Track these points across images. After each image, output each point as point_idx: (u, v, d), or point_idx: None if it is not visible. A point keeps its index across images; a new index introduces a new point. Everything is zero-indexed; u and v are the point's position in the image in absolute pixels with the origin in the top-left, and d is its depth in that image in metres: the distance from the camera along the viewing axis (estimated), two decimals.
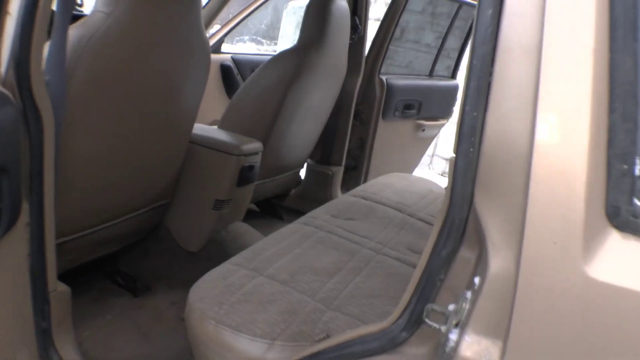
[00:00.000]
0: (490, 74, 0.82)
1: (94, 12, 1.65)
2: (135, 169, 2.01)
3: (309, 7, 2.67)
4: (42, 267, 1.44)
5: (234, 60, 4.09)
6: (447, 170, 6.74)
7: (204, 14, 3.72)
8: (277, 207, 3.42)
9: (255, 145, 2.42)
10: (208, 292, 1.48)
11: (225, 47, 4.17)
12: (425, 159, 6.70)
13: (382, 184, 2.63)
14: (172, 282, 2.38)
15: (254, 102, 2.65)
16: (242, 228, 2.56)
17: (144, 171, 2.07)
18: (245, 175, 2.38)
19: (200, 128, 2.49)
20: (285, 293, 1.50)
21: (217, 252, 2.43)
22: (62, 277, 1.82)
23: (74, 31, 1.60)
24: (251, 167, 2.40)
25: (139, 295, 2.30)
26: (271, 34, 9.92)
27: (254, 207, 3.37)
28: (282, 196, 3.45)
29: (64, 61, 1.46)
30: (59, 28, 1.43)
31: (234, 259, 1.66)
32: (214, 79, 4.02)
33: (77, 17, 2.00)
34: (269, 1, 4.09)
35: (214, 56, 3.93)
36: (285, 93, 2.57)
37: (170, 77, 1.91)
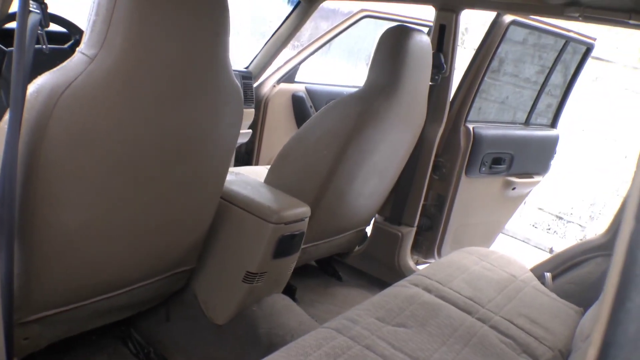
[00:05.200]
0: None
1: (77, 54, 1.30)
2: (137, 240, 1.64)
3: (379, 43, 2.23)
4: None
5: (307, 91, 3.72)
6: (552, 227, 6.09)
7: (278, 36, 3.39)
8: (337, 265, 2.99)
9: (300, 211, 2.00)
10: None
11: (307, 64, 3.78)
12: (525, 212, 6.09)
13: (453, 265, 2.15)
14: (191, 357, 2.02)
15: (306, 155, 2.24)
16: (280, 303, 2.14)
17: (153, 240, 1.70)
18: (284, 247, 1.97)
19: (241, 180, 2.11)
20: None
21: (245, 330, 2.04)
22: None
23: (47, 79, 1.25)
24: (293, 237, 1.98)
25: None
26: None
27: (312, 262, 2.97)
28: (345, 253, 3.02)
29: (19, 121, 1.12)
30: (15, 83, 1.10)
31: None
32: (284, 110, 3.68)
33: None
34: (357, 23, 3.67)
35: (285, 85, 3.63)
36: (344, 147, 2.14)
37: (186, 134, 1.53)
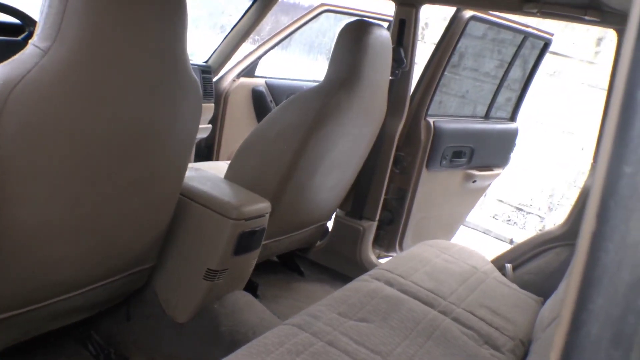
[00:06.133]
0: None
1: (29, 46, 1.26)
2: (98, 237, 1.60)
3: (339, 37, 2.22)
4: None
5: (268, 85, 3.69)
6: (512, 218, 6.18)
7: (238, 29, 3.35)
8: (299, 260, 2.98)
9: (261, 206, 1.98)
10: None
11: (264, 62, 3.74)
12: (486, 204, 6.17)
13: (416, 258, 2.16)
14: (153, 356, 1.99)
15: (266, 149, 2.22)
16: (241, 300, 2.12)
17: (112, 238, 1.66)
18: (244, 243, 1.95)
19: (200, 176, 2.08)
20: None
21: (207, 328, 2.02)
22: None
23: None
24: (253, 233, 1.96)
25: None
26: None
27: (274, 257, 2.95)
28: (307, 248, 3.01)
29: None
30: None
31: None
32: (244, 105, 3.64)
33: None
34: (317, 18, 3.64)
35: (245, 80, 3.60)
36: (305, 141, 2.13)
37: (143, 128, 1.49)
